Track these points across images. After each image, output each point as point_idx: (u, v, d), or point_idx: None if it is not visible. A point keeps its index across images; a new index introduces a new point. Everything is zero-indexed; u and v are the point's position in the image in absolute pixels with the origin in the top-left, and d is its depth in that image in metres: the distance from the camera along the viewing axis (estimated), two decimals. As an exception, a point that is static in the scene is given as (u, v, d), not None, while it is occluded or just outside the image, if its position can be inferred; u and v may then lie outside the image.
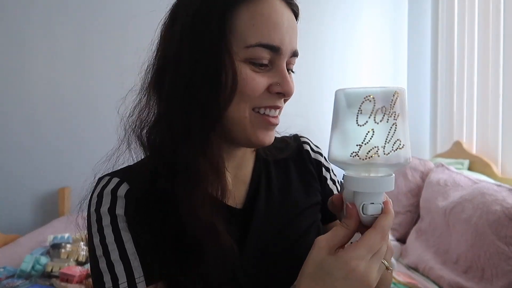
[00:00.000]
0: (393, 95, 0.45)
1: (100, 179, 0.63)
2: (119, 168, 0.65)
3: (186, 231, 0.56)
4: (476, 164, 2.14)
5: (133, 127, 0.63)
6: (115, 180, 0.61)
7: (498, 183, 1.66)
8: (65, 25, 2.50)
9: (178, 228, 0.56)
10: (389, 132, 0.45)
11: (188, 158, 0.58)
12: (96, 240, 0.58)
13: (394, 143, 0.45)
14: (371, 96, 0.46)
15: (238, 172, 0.69)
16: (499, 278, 1.38)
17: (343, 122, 0.48)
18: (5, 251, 1.91)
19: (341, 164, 0.49)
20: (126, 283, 0.55)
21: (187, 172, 0.57)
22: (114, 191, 0.60)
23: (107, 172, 0.64)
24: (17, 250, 1.88)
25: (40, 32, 2.47)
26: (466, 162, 2.17)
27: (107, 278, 0.56)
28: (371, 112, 0.45)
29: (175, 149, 0.58)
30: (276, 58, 0.58)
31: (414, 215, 2.04)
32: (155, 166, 0.60)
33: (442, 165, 2.02)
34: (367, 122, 0.46)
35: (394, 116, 0.45)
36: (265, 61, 0.58)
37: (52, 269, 1.57)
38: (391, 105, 0.45)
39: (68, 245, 1.78)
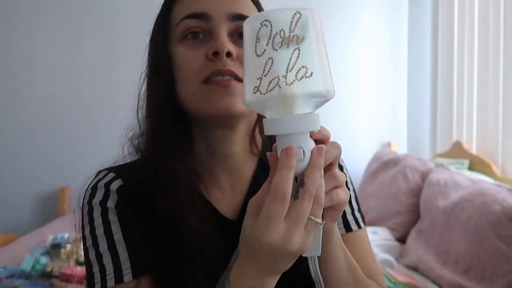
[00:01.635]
0: (293, 17, 0.40)
1: (98, 172, 0.65)
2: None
3: (171, 233, 0.57)
4: (476, 164, 2.14)
5: (130, 135, 0.66)
6: (111, 175, 0.62)
7: (498, 183, 1.66)
8: (64, 28, 2.50)
9: (164, 229, 0.57)
10: (290, 59, 0.40)
11: (157, 160, 0.60)
12: (87, 230, 0.59)
13: (298, 71, 0.39)
14: (267, 20, 0.40)
15: (234, 179, 0.65)
16: (499, 278, 1.38)
17: (245, 57, 0.43)
18: (5, 251, 1.91)
19: (255, 106, 0.43)
20: (113, 274, 0.56)
21: (160, 176, 0.59)
22: (107, 185, 0.61)
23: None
24: (17, 250, 1.88)
25: (40, 35, 2.47)
26: (466, 162, 2.17)
27: (95, 268, 0.57)
28: (268, 38, 0.40)
29: (149, 152, 0.62)
30: (210, 27, 0.58)
31: (414, 215, 2.04)
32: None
33: (442, 165, 2.02)
34: (265, 50, 0.40)
35: (297, 40, 0.40)
36: (197, 29, 0.58)
37: (52, 269, 1.57)
38: (290, 27, 0.40)
39: (68, 245, 1.77)
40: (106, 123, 2.11)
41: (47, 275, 1.56)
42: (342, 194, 0.47)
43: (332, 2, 2.78)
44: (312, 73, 0.40)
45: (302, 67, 0.39)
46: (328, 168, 0.46)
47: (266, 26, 0.40)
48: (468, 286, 1.45)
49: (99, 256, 0.57)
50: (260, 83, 0.40)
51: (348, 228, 0.69)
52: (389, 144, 2.84)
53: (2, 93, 2.43)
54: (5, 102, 2.44)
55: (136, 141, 0.65)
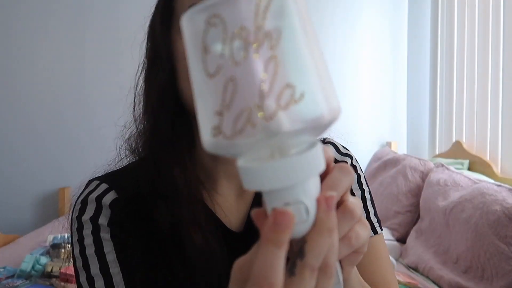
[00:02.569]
0: (258, 1, 0.24)
1: (89, 182, 0.59)
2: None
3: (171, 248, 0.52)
4: (476, 164, 2.14)
5: (126, 137, 0.61)
6: (103, 187, 0.56)
7: (498, 183, 1.66)
8: (62, 27, 2.50)
9: (164, 244, 0.53)
10: (264, 76, 0.24)
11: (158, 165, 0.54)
12: (76, 250, 0.54)
13: (280, 93, 0.24)
14: (216, 16, 0.24)
15: (239, 187, 0.60)
16: (499, 278, 1.38)
17: (192, 77, 0.27)
18: (5, 251, 1.91)
19: (219, 152, 0.27)
20: None
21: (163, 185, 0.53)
22: (99, 199, 0.55)
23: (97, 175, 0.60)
24: (17, 250, 1.88)
25: (38, 34, 2.47)
26: (466, 162, 2.17)
27: None
28: (223, 45, 0.24)
29: (146, 155, 0.57)
30: None
31: (414, 215, 2.04)
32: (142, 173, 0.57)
33: (442, 165, 2.02)
34: (220, 66, 0.24)
35: (270, 41, 0.24)
36: None
37: (52, 269, 1.57)
38: (256, 21, 0.24)
39: (68, 245, 1.77)
40: (107, 122, 2.10)
41: (47, 275, 1.56)
42: (363, 232, 0.32)
43: (332, 2, 2.78)
44: (303, 93, 0.24)
45: (287, 86, 0.24)
46: (339, 201, 0.31)
47: (216, 25, 0.24)
48: (468, 286, 1.45)
49: (90, 280, 0.51)
50: (221, 121, 0.25)
51: None
52: (389, 144, 2.84)
53: (2, 93, 2.44)
54: (5, 101, 2.44)
55: (133, 143, 0.59)
